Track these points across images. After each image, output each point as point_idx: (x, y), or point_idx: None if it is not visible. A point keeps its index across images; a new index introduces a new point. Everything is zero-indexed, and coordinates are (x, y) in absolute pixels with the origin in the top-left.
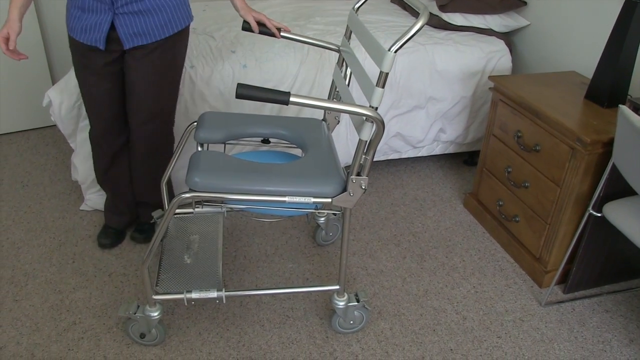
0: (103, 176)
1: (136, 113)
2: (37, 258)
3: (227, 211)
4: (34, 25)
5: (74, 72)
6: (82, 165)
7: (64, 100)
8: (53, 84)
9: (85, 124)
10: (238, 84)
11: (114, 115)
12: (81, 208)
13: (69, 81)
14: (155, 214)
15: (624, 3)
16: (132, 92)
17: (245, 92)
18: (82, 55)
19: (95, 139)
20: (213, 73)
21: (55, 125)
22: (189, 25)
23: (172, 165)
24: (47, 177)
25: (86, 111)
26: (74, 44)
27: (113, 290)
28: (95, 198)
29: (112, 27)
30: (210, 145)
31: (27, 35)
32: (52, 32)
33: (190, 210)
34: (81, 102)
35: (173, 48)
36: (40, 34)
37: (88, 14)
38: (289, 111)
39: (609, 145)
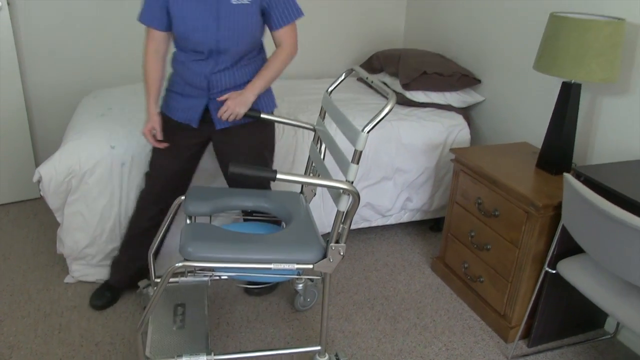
0: (136, 237)
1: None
2: (22, 330)
3: (210, 280)
4: (19, 101)
5: (66, 148)
6: (68, 238)
7: (54, 176)
8: (35, 158)
9: (73, 199)
10: (231, 163)
11: (172, 186)
12: (66, 280)
13: (60, 158)
14: (142, 283)
15: (562, 85)
16: (225, 173)
17: (238, 170)
18: (169, 131)
19: (145, 201)
20: None
21: (36, 198)
22: (273, 111)
23: (159, 237)
24: (30, 250)
25: (147, 178)
26: (165, 121)
27: (100, 359)
28: (81, 269)
29: (206, 109)
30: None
31: (10, 110)
32: (36, 107)
33: (177, 279)
34: (71, 177)
35: (259, 131)
36: (25, 109)
37: (186, 98)
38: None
39: (558, 208)
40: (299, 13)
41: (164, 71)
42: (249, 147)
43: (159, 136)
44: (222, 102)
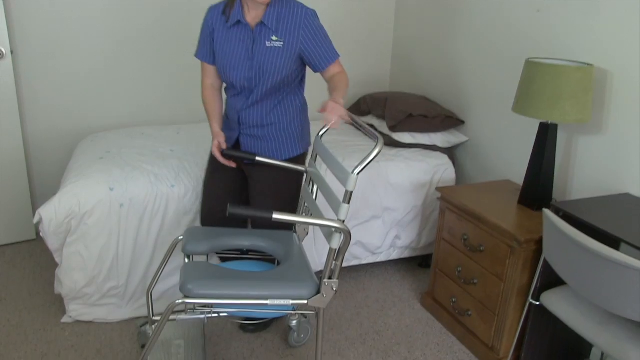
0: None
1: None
2: None
3: (207, 317)
4: (17, 145)
5: (66, 190)
6: (67, 278)
7: (54, 217)
8: (32, 201)
9: (72, 240)
10: (229, 204)
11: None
12: (63, 320)
13: (61, 200)
14: (139, 322)
15: (539, 125)
16: (252, 203)
17: (236, 211)
18: (215, 160)
19: (205, 222)
20: (193, 191)
21: (31, 240)
22: (301, 154)
23: (158, 276)
24: (26, 291)
25: (202, 206)
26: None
27: None
28: (78, 309)
29: (238, 142)
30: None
31: (9, 154)
32: (34, 151)
33: (174, 318)
34: (71, 219)
35: (284, 170)
36: (24, 153)
37: (226, 128)
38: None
39: (540, 242)
40: (336, 55)
41: (222, 100)
42: (272, 184)
43: (223, 145)
44: (251, 139)
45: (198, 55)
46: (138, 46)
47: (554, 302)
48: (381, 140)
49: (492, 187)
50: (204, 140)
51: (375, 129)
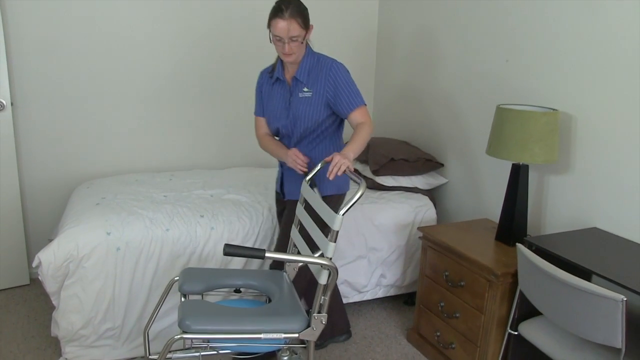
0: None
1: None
2: None
3: (202, 355)
4: (14, 192)
5: (64, 235)
6: (64, 320)
7: (52, 261)
8: (27, 246)
9: (69, 282)
10: (225, 244)
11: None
12: None
13: (59, 244)
14: None
15: (512, 166)
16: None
17: (231, 250)
18: (277, 200)
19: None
20: (187, 234)
21: (25, 285)
22: (338, 195)
23: (155, 314)
24: (21, 334)
25: (277, 241)
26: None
27: None
28: (74, 350)
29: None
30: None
31: (5, 201)
32: (30, 198)
33: (170, 356)
34: (69, 262)
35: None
36: (20, 200)
37: (289, 182)
38: (253, 262)
39: (516, 275)
40: (361, 101)
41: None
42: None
43: (301, 156)
44: (290, 178)
45: (256, 112)
46: (131, 98)
47: (531, 331)
48: (364, 184)
49: (470, 225)
50: (196, 186)
51: (359, 173)
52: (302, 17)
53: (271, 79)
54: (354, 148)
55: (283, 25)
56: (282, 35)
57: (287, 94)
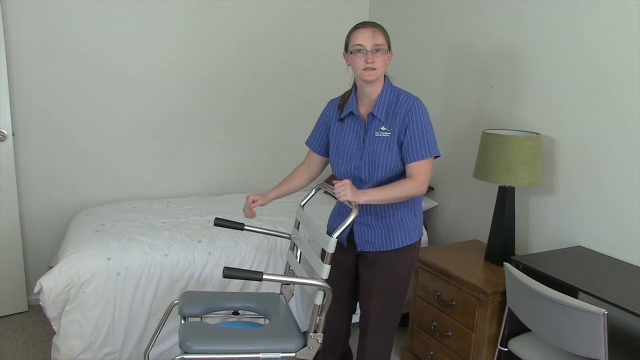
0: (330, 341)
1: (362, 318)
2: None
3: None
4: (14, 221)
5: (65, 261)
6: (64, 345)
7: (54, 287)
8: (25, 274)
9: (70, 308)
10: (225, 267)
11: (348, 296)
12: None
13: (61, 270)
14: None
15: (498, 189)
16: (362, 295)
17: (230, 273)
18: (337, 249)
19: (330, 315)
20: (185, 259)
21: (23, 312)
22: (413, 243)
23: (156, 337)
24: None
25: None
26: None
27: None
28: None
29: (353, 231)
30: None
31: (5, 229)
32: (29, 226)
33: None
34: (69, 288)
35: (395, 260)
36: (20, 228)
37: (341, 217)
38: (250, 285)
39: (505, 294)
40: (433, 152)
41: (301, 184)
42: (382, 276)
43: (254, 206)
44: (364, 228)
45: (308, 142)
46: (127, 130)
47: (520, 347)
48: (356, 208)
49: (460, 246)
50: (193, 213)
51: None
52: (386, 33)
53: (340, 113)
54: (376, 193)
55: (367, 31)
56: (365, 42)
57: (362, 132)
